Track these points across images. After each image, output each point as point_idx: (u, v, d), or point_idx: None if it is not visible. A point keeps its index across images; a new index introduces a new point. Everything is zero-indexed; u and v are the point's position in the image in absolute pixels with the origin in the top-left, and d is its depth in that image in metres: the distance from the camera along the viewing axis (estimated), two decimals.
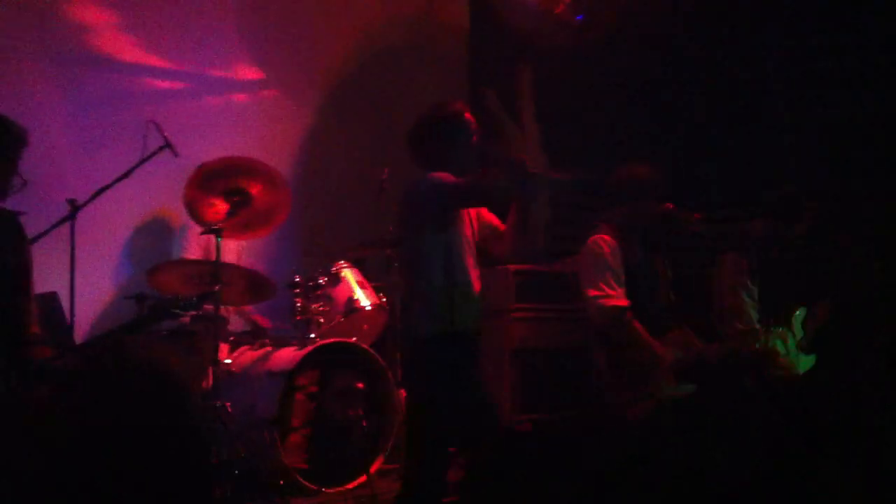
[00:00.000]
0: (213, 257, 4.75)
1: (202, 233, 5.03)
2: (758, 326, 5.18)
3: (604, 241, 4.75)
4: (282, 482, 4.76)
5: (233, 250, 5.58)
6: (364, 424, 5.01)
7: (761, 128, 6.61)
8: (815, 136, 6.41)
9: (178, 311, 4.05)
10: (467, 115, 4.16)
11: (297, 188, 6.09)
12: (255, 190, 4.94)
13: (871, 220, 5.76)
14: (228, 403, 4.76)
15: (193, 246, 5.48)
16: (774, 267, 5.29)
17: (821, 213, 5.40)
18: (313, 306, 5.29)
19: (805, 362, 5.19)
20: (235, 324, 5.65)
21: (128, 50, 5.74)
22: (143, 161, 5.00)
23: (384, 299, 5.47)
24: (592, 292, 4.69)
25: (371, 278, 5.57)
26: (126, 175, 4.95)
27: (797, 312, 5.24)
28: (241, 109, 6.15)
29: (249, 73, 6.20)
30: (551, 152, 6.87)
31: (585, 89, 6.69)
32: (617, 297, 4.66)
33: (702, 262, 5.62)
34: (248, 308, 5.66)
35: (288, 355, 5.04)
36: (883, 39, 6.26)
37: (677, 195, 4.98)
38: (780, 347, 5.15)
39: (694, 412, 4.69)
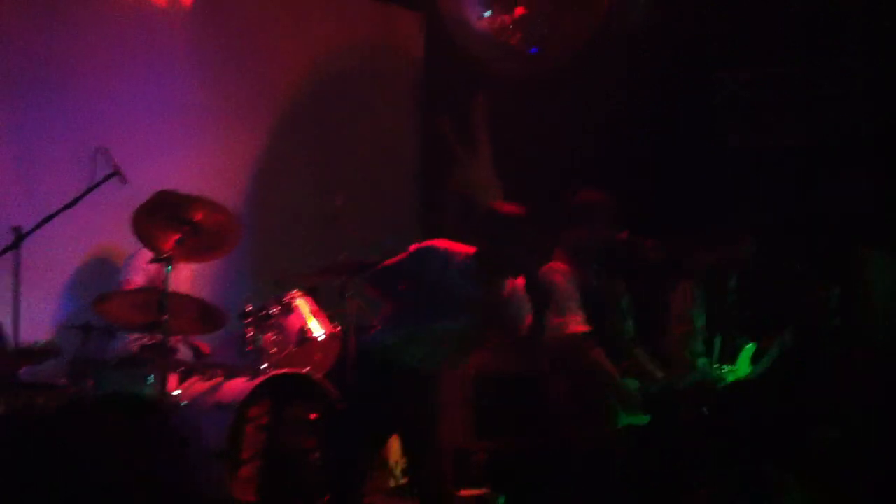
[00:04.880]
0: (163, 286, 4.70)
1: (151, 261, 4.96)
2: (703, 359, 5.16)
3: (558, 269, 4.73)
4: None
5: (185, 279, 5.48)
6: (316, 456, 4.94)
7: (713, 157, 6.67)
8: (764, 165, 6.48)
9: None
10: None
11: (251, 215, 6.04)
12: (204, 218, 4.88)
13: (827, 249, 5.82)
14: None
15: (143, 275, 5.38)
16: (722, 299, 5.30)
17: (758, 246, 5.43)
18: (265, 336, 5.21)
19: None
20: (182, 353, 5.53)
21: (76, 75, 5.65)
22: (91, 189, 4.90)
23: (338, 328, 5.38)
24: (554, 320, 4.65)
25: (325, 306, 5.50)
26: (74, 203, 4.85)
27: (746, 348, 5.22)
28: (193, 136, 6.05)
29: (201, 99, 6.12)
30: (509, 179, 6.93)
31: (543, 118, 6.72)
32: (576, 324, 4.63)
33: (658, 290, 5.62)
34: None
35: (238, 386, 4.95)
36: (831, 69, 6.37)
37: (632, 223, 4.98)
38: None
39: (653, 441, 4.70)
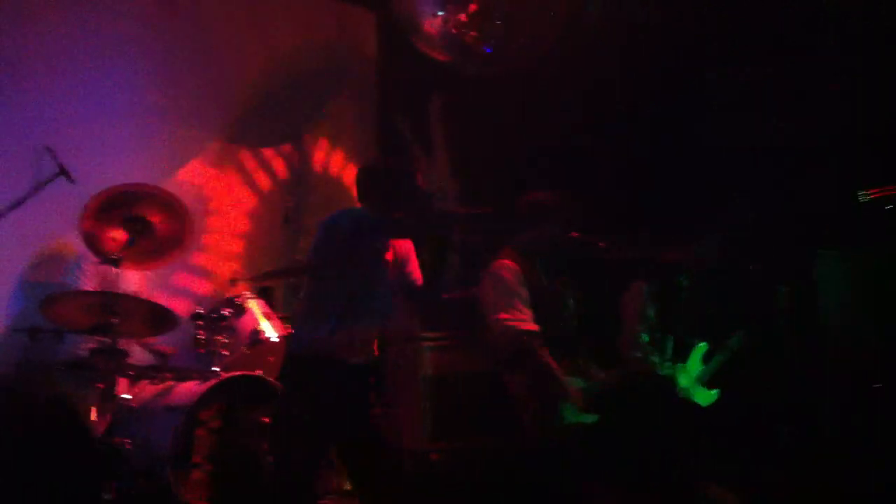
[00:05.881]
0: (113, 288, 4.63)
1: (100, 262, 4.89)
2: (654, 357, 5.15)
3: (507, 267, 4.72)
4: None
5: (136, 281, 5.40)
6: (269, 460, 4.88)
7: (691, 157, 6.69)
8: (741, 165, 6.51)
9: None
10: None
11: (203, 217, 5.96)
12: (155, 218, 4.82)
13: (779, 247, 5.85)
14: (127, 440, 4.63)
15: (92, 277, 5.28)
16: (676, 298, 5.31)
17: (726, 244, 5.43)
18: (217, 338, 5.13)
19: (703, 397, 5.19)
20: (139, 357, 5.44)
21: (21, 73, 5.52)
22: (36, 189, 4.82)
23: (291, 331, 5.32)
24: (501, 316, 4.63)
25: (278, 308, 5.44)
26: (19, 204, 4.76)
27: (698, 346, 5.25)
28: (144, 136, 5.92)
29: (153, 98, 6.01)
30: (469, 180, 6.91)
31: (507, 117, 6.71)
32: (526, 322, 4.61)
33: (612, 289, 5.62)
34: (152, 340, 5.44)
35: (189, 389, 4.87)
36: (810, 69, 6.41)
37: (608, 221, 4.98)
38: (681, 381, 5.16)
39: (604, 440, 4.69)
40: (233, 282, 5.41)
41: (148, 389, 5.06)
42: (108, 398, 4.70)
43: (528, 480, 4.74)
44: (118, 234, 4.81)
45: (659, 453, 4.62)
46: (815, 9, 6.41)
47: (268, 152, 6.56)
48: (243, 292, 5.32)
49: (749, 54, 6.68)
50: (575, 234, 4.85)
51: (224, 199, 6.32)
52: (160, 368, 5.24)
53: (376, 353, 4.19)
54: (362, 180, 4.30)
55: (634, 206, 6.42)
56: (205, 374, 5.00)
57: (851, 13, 6.31)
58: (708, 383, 5.21)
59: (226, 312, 5.18)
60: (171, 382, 5.05)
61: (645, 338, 5.14)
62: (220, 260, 6.11)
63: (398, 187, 4.18)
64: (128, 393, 4.99)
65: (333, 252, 4.00)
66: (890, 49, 6.08)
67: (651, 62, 6.63)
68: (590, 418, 4.60)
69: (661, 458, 4.62)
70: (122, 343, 4.80)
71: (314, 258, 4.09)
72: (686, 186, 6.46)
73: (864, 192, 4.50)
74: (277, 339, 5.25)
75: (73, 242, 4.95)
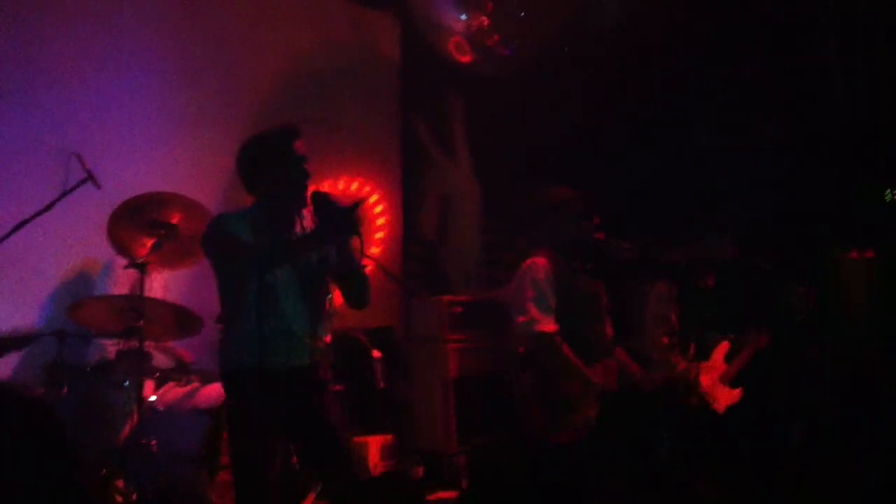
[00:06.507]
0: (139, 292, 4.71)
1: (126, 267, 4.96)
2: (676, 357, 5.21)
3: (540, 265, 4.75)
4: None
5: (160, 285, 5.46)
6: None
7: (685, 157, 6.76)
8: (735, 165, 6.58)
9: None
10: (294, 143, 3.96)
11: None
12: (180, 222, 4.89)
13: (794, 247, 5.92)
14: (154, 441, 4.71)
15: (121, 281, 5.35)
16: (696, 297, 5.37)
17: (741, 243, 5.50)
18: None
19: (726, 396, 5.28)
20: (159, 361, 5.50)
21: (46, 81, 5.56)
22: (64, 194, 4.86)
23: None
24: (522, 318, 4.69)
25: None
26: (47, 208, 4.80)
27: (720, 345, 5.33)
28: (168, 139, 6.01)
29: (176, 102, 6.07)
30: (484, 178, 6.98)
31: (515, 116, 6.77)
32: (546, 323, 4.66)
33: (632, 289, 5.68)
34: (170, 343, 5.49)
35: (215, 391, 4.95)
36: (802, 68, 6.48)
37: (604, 221, 5.03)
38: (704, 380, 5.24)
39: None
40: None
41: (174, 391, 5.14)
42: (134, 400, 4.77)
43: (529, 480, 4.81)
44: (144, 239, 4.88)
45: (659, 453, 4.70)
46: (814, 8, 6.49)
47: None
48: None
49: (749, 54, 6.76)
50: (600, 236, 4.90)
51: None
52: (186, 370, 5.32)
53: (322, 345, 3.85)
54: (244, 163, 3.96)
55: (635, 205, 6.48)
56: None
57: (851, 13, 6.39)
58: (731, 382, 5.28)
59: None
60: (197, 384, 5.14)
61: (670, 339, 5.21)
62: None
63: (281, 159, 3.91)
64: (154, 395, 5.09)
65: (234, 253, 3.75)
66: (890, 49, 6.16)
67: (651, 62, 6.70)
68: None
69: (661, 458, 4.70)
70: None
71: (215, 263, 3.84)
72: (686, 186, 6.54)
73: (889, 191, 4.52)
74: None
75: (102, 246, 5.00)
